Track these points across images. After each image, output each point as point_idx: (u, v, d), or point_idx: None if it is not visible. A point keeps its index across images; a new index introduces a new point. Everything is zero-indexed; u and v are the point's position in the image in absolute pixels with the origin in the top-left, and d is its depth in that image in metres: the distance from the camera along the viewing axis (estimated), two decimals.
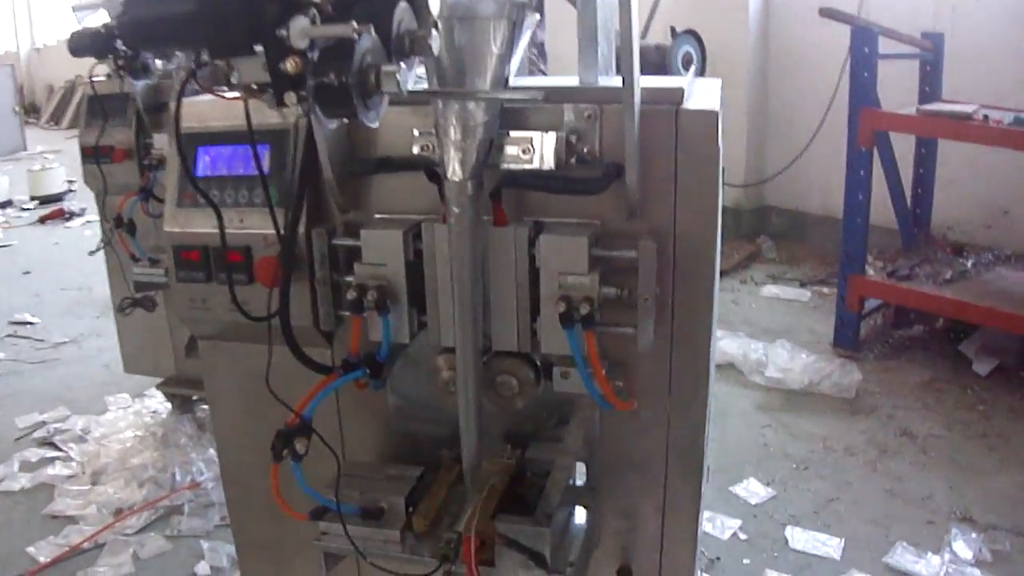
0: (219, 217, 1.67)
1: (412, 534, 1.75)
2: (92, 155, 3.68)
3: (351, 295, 1.71)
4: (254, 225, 1.83)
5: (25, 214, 9.49)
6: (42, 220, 9.15)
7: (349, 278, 1.78)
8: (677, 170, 1.68)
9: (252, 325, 1.77)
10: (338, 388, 1.79)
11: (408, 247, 1.72)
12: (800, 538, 3.35)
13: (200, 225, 1.83)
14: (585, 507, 1.88)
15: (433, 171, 1.69)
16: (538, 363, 1.78)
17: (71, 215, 9.22)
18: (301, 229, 1.77)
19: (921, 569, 3.13)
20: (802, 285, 6.24)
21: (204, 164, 1.86)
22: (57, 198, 9.74)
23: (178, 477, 3.89)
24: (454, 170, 1.57)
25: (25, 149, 13.43)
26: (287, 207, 1.74)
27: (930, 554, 3.21)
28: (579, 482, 1.91)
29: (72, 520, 3.63)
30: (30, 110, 17.62)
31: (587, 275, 1.64)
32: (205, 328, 2.03)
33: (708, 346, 1.82)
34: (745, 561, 3.26)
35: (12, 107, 13.39)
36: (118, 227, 3.41)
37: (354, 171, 1.80)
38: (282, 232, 1.72)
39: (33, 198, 9.77)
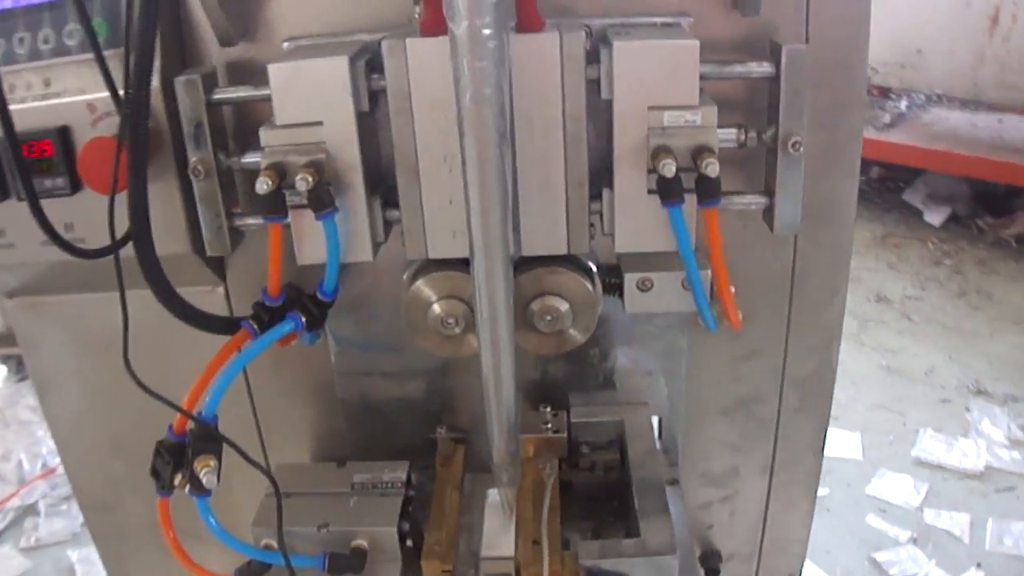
0: None
1: None
2: None
3: (262, 186, 0.92)
4: (70, 88, 1.00)
5: None
6: None
7: (251, 159, 0.99)
8: None
9: (87, 266, 0.97)
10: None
11: (360, 87, 0.94)
12: None
13: None
14: (673, 482, 1.22)
15: None
16: (595, 272, 1.06)
17: None
18: (155, 82, 0.96)
19: (955, 459, 2.69)
20: None
21: None
22: None
23: (26, 465, 3.01)
24: None
25: None
26: (127, 47, 0.91)
27: (960, 438, 2.78)
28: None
29: None
30: None
31: (698, 108, 0.91)
32: (7, 278, 1.20)
33: (852, 217, 1.16)
34: None
35: None
36: None
37: None
38: (121, 92, 0.91)
39: None
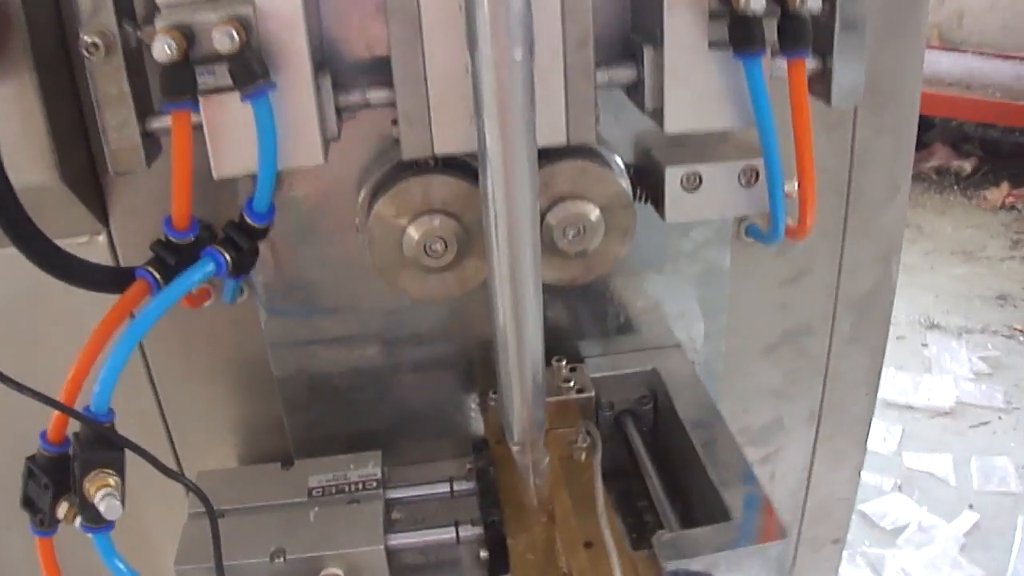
0: None
1: None
2: None
3: (162, 49, 0.60)
4: None
5: None
6: None
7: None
8: None
9: None
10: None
11: None
12: None
13: None
14: None
15: None
16: (630, 170, 0.79)
17: None
18: None
19: (924, 398, 2.56)
20: None
21: None
22: None
23: None
24: None
25: None
26: None
27: (924, 375, 2.66)
28: None
29: None
30: None
31: None
32: None
33: (917, 98, 0.93)
34: None
35: None
36: None
37: None
38: None
39: None
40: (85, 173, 0.79)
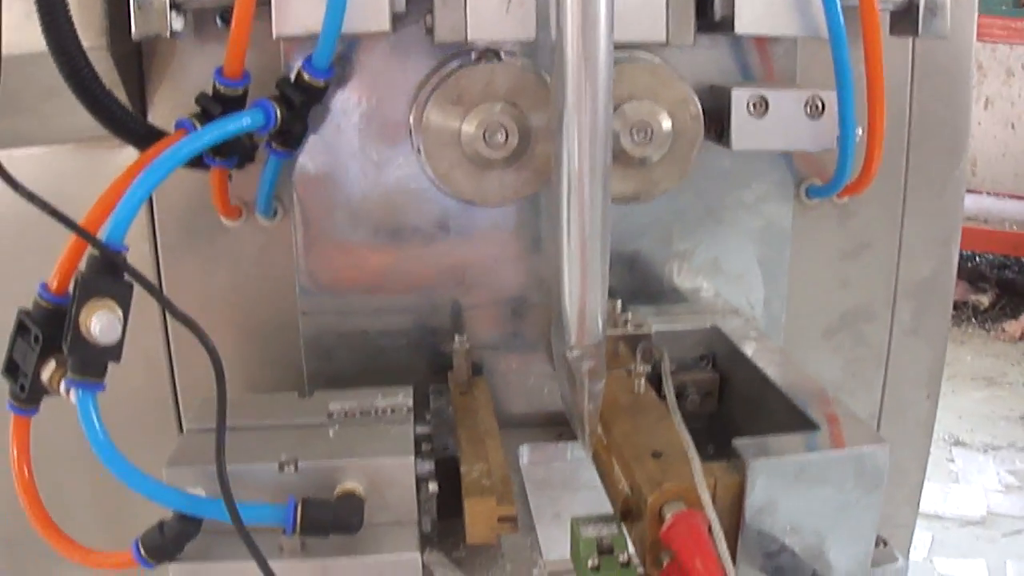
0: None
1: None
2: None
3: None
4: None
5: None
6: None
7: None
8: None
9: None
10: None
11: None
12: None
13: None
14: None
15: None
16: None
17: None
18: None
19: (953, 508, 2.43)
20: None
21: None
22: None
23: None
24: None
25: None
26: None
27: (952, 485, 2.53)
28: None
29: None
30: None
31: None
32: None
33: (971, 62, 0.91)
34: None
35: None
36: None
37: None
38: None
39: None
40: (131, 55, 0.76)
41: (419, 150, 0.75)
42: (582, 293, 0.64)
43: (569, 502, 0.84)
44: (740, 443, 0.59)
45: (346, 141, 0.80)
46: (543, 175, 0.73)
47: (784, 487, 0.58)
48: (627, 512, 0.62)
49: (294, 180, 0.81)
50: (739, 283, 0.88)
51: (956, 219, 0.94)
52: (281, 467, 0.66)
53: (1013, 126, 4.43)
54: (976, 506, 2.41)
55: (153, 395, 0.85)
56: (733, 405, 0.79)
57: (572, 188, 0.62)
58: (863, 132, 0.78)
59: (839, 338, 0.94)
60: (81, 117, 0.67)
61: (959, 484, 2.53)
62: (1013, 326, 3.84)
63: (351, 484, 0.66)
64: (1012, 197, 4.28)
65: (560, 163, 0.61)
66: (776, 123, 0.76)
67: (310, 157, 0.80)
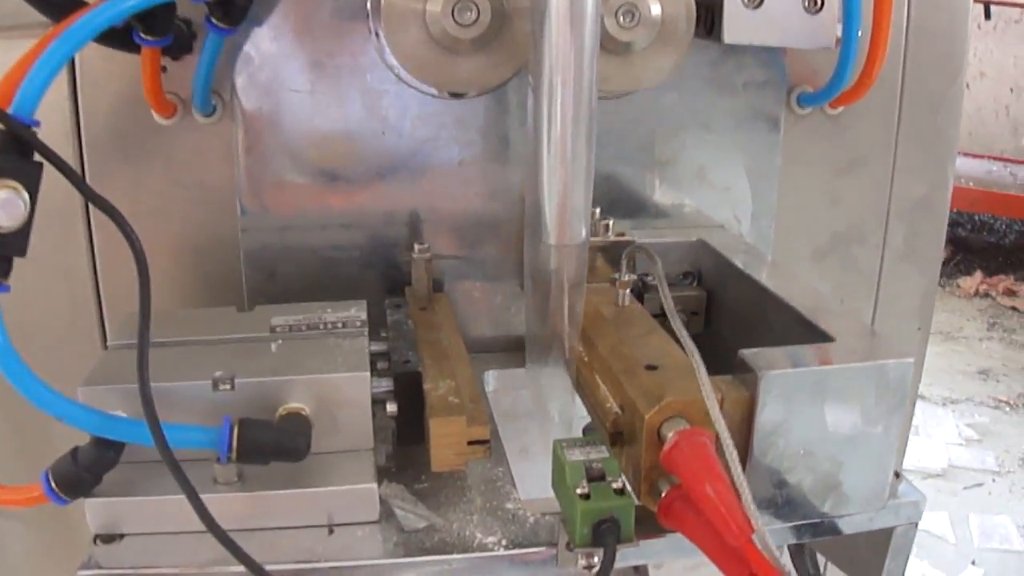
0: None
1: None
2: None
3: None
4: None
5: None
6: None
7: None
8: None
9: None
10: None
11: None
12: None
13: None
14: None
15: None
16: None
17: None
18: None
19: (913, 460, 2.43)
20: None
21: None
22: None
23: None
24: None
25: None
26: None
27: (913, 439, 2.52)
28: None
29: None
30: None
31: None
32: None
33: None
34: None
35: None
36: None
37: None
38: None
39: None
40: None
41: (377, 34, 0.66)
42: (563, 186, 0.56)
43: (540, 435, 0.77)
44: (748, 354, 0.52)
45: (294, 27, 0.71)
46: (518, 59, 0.64)
47: (799, 404, 0.51)
48: (616, 436, 0.54)
49: (235, 71, 0.71)
50: (726, 196, 0.81)
51: (952, 139, 0.88)
52: (215, 384, 0.58)
53: (968, 85, 4.44)
54: (937, 459, 2.42)
55: (75, 310, 0.76)
56: (723, 325, 0.73)
57: (555, 68, 0.54)
58: (861, 32, 0.72)
59: (828, 261, 0.88)
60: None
61: (919, 437, 2.53)
62: (968, 282, 3.87)
63: (296, 404, 0.58)
64: (965, 155, 4.30)
65: (540, 41, 0.53)
66: (772, 16, 0.69)
67: (254, 45, 0.71)
